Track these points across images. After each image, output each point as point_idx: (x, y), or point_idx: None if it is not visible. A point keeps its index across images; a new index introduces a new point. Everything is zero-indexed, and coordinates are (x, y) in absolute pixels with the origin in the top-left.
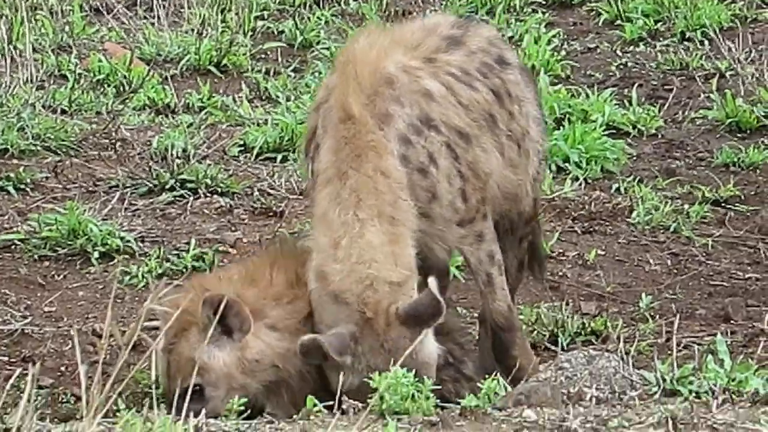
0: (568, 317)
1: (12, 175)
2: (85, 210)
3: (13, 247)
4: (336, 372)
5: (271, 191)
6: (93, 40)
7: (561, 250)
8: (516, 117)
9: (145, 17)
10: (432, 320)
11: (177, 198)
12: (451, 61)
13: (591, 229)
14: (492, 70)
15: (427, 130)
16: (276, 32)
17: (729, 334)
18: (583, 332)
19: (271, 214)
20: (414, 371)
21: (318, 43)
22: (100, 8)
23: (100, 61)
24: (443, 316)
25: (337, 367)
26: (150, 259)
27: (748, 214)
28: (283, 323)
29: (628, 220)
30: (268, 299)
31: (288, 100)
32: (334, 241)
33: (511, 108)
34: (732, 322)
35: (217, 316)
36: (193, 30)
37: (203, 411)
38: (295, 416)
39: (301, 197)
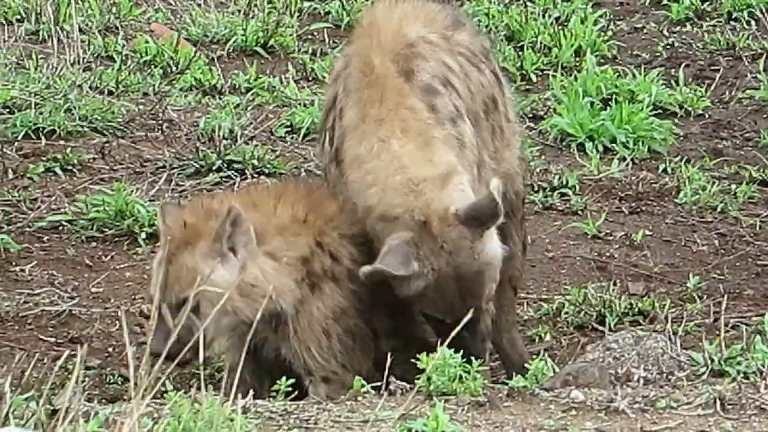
0: (615, 298)
1: (59, 156)
2: (132, 191)
3: (60, 228)
4: (403, 282)
5: (318, 172)
6: (140, 21)
7: (608, 231)
8: (506, 97)
9: None
10: (491, 221)
11: (224, 179)
12: (461, 41)
13: (638, 210)
14: (487, 54)
15: (451, 88)
16: (323, 13)
17: None
18: (630, 313)
19: None
20: (477, 280)
21: None
22: None
23: (146, 42)
24: (501, 217)
25: (406, 278)
26: None
27: None
28: (282, 253)
29: (675, 200)
30: (270, 227)
31: None
32: (365, 171)
33: (504, 89)
34: None
35: (229, 229)
36: (239, 11)
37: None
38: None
39: None
